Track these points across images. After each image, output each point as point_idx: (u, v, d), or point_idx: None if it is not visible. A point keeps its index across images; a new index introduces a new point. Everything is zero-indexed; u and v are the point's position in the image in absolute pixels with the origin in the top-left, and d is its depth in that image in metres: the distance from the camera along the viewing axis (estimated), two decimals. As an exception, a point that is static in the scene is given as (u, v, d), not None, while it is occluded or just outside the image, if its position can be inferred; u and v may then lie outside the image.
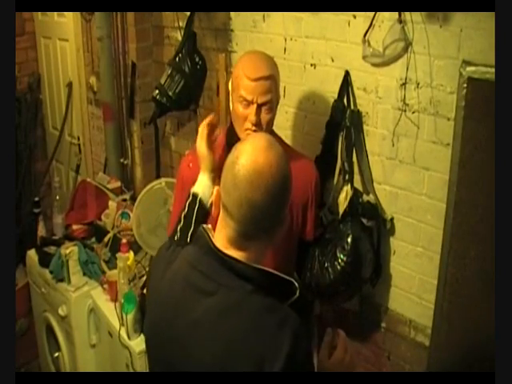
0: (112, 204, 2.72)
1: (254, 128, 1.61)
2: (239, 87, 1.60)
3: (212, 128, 1.66)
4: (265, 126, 1.62)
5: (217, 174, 1.58)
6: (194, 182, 1.75)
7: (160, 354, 1.18)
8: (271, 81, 1.60)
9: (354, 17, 1.81)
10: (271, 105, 1.61)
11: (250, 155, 1.07)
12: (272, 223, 1.11)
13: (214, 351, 1.06)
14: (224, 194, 1.10)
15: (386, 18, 1.71)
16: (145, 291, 2.18)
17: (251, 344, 1.04)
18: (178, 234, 1.49)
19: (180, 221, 1.53)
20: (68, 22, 3.39)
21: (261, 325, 1.05)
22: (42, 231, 2.83)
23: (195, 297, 1.10)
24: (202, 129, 1.64)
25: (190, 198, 1.57)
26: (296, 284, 1.11)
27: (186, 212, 1.54)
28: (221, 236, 1.12)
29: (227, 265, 1.09)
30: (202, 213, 1.54)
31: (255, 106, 1.59)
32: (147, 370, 2.09)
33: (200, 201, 1.55)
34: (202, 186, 1.58)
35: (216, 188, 1.15)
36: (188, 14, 2.33)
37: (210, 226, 1.19)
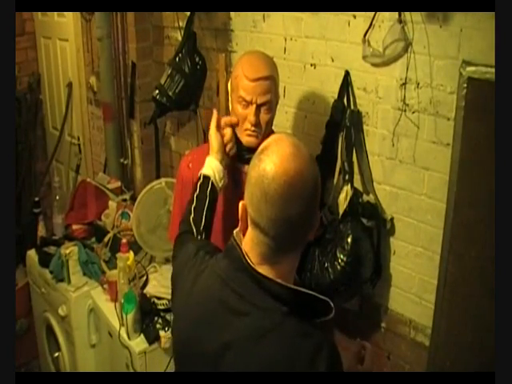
0: (112, 204, 2.72)
1: (253, 128, 1.61)
2: (238, 87, 1.60)
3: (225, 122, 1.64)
4: (264, 127, 1.62)
5: (224, 156, 1.58)
6: (193, 182, 1.75)
7: (191, 370, 1.15)
8: (270, 81, 1.60)
9: (354, 17, 1.81)
10: (270, 105, 1.61)
11: (279, 167, 0.98)
12: (307, 231, 1.06)
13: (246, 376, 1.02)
14: (254, 210, 1.02)
15: (386, 18, 1.71)
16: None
17: (286, 370, 0.99)
18: (193, 214, 1.45)
19: (193, 201, 1.49)
20: (68, 21, 3.39)
21: (297, 350, 1.00)
22: (42, 231, 2.83)
23: (227, 316, 1.06)
24: (215, 114, 1.62)
25: (201, 179, 1.53)
26: (331, 304, 1.05)
27: (198, 193, 1.50)
28: (254, 253, 1.05)
29: (262, 284, 1.03)
30: (214, 196, 1.51)
31: (254, 106, 1.59)
32: (147, 370, 2.11)
33: (212, 183, 1.52)
34: (212, 167, 1.55)
35: (241, 203, 1.07)
36: (188, 14, 2.33)
37: (237, 230, 1.12)
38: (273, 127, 1.70)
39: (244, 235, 1.09)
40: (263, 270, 1.04)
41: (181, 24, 2.46)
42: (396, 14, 1.66)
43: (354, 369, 1.21)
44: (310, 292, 1.04)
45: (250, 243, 1.06)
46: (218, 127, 1.61)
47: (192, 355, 1.13)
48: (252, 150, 1.63)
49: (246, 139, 1.64)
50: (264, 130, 1.62)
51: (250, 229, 1.06)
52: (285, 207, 0.98)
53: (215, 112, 1.64)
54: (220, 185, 1.56)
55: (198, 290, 1.14)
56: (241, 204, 1.08)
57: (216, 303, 1.08)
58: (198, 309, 1.12)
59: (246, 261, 1.05)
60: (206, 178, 1.53)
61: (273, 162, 0.99)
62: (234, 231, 1.12)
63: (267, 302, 1.03)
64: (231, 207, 1.67)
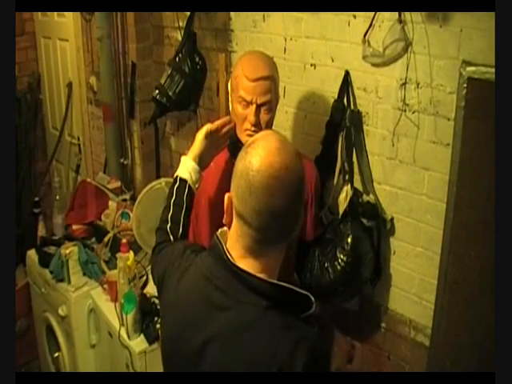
0: (112, 204, 2.72)
1: (253, 128, 1.61)
2: (238, 87, 1.60)
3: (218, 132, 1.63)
4: (264, 127, 1.62)
5: (202, 161, 1.58)
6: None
7: (176, 368, 1.15)
8: (270, 81, 1.60)
9: (354, 17, 1.81)
10: (270, 105, 1.61)
11: (264, 159, 1.00)
12: (292, 225, 1.06)
13: (228, 369, 1.03)
14: (239, 202, 1.04)
15: (386, 18, 1.71)
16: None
17: (267, 363, 1.00)
18: (170, 223, 1.44)
19: (169, 208, 1.48)
20: (68, 22, 3.39)
21: (277, 342, 1.01)
22: (42, 231, 2.83)
23: (211, 313, 1.07)
24: (208, 124, 1.61)
25: (177, 183, 1.51)
26: (312, 299, 1.07)
27: (174, 199, 1.49)
28: (238, 246, 1.07)
29: (243, 280, 1.04)
30: (191, 201, 1.50)
31: (254, 106, 1.58)
32: (147, 370, 2.11)
33: (189, 186, 1.50)
34: (189, 169, 1.53)
35: (227, 195, 1.09)
36: (188, 14, 2.33)
37: (225, 229, 1.13)
38: (273, 127, 1.70)
39: (229, 228, 1.11)
40: (246, 263, 1.06)
41: (181, 24, 2.46)
42: (396, 14, 1.66)
43: (343, 368, 1.21)
44: (291, 286, 1.06)
45: (234, 235, 1.08)
46: (207, 135, 1.59)
47: (177, 353, 1.14)
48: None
49: (246, 139, 1.64)
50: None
51: (234, 221, 1.08)
52: (268, 199, 1.00)
53: (209, 124, 1.61)
54: (196, 186, 1.55)
55: (183, 288, 1.16)
56: (226, 196, 1.09)
57: (200, 301, 1.10)
58: (183, 307, 1.14)
59: (227, 257, 1.06)
60: (183, 181, 1.51)
61: (259, 155, 1.02)
62: (219, 230, 1.14)
63: (249, 297, 1.04)
64: None
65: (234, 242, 1.08)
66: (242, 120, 1.62)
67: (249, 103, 1.59)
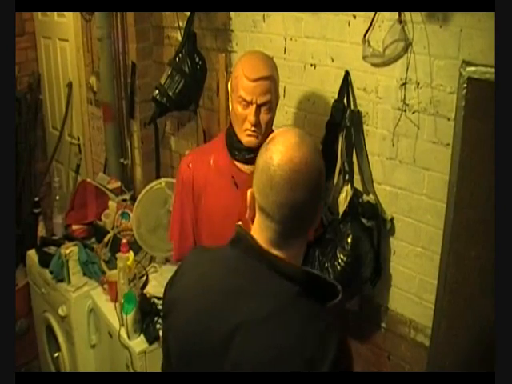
0: (112, 204, 2.72)
1: (253, 128, 1.61)
2: (238, 88, 1.60)
3: None
4: (264, 127, 1.62)
5: None
6: (193, 183, 1.75)
7: (198, 365, 1.13)
8: (270, 81, 1.60)
9: (354, 17, 1.81)
10: (270, 105, 1.61)
11: (284, 154, 1.04)
12: (313, 218, 1.10)
13: (259, 357, 1.02)
14: (261, 196, 1.07)
15: (386, 18, 1.71)
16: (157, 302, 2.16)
17: (299, 347, 1.01)
18: None
19: None
20: (68, 22, 3.39)
21: (310, 329, 1.02)
22: (42, 231, 2.83)
23: (237, 301, 1.07)
24: None
25: None
26: (339, 287, 1.08)
27: None
28: (261, 239, 1.09)
29: (274, 266, 1.06)
30: None
31: (254, 106, 1.58)
32: (147, 370, 2.11)
33: None
34: None
35: (250, 190, 1.11)
36: (188, 14, 2.33)
37: (240, 223, 1.16)
38: (273, 127, 1.70)
39: (252, 222, 1.13)
40: (274, 253, 1.08)
41: (181, 24, 2.46)
42: (396, 14, 1.66)
43: None
44: (320, 274, 1.10)
45: (258, 229, 1.10)
46: None
47: (197, 349, 1.11)
48: (252, 150, 1.63)
49: (246, 139, 1.64)
50: (264, 130, 1.62)
51: (257, 215, 1.11)
52: (289, 193, 1.03)
53: None
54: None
55: (196, 287, 1.15)
56: (249, 191, 1.12)
57: (223, 292, 1.10)
58: (200, 305, 1.12)
59: (259, 246, 1.08)
60: None
61: (279, 150, 1.05)
62: (238, 223, 1.15)
63: (280, 284, 1.06)
64: (232, 208, 1.66)
65: (258, 235, 1.10)
66: (242, 120, 1.62)
67: (249, 103, 1.59)
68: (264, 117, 1.61)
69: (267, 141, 1.10)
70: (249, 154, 1.66)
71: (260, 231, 1.10)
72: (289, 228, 1.07)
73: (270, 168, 1.04)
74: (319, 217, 1.12)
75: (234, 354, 1.04)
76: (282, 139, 1.08)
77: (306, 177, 1.04)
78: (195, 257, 1.23)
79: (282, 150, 1.05)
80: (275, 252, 1.08)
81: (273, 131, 1.69)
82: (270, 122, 1.64)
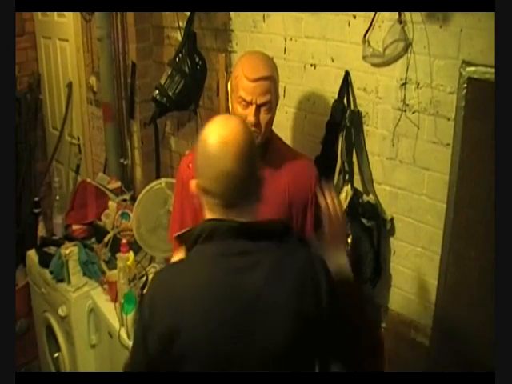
0: (112, 204, 2.72)
1: (253, 129, 1.61)
2: (238, 88, 1.60)
3: None
4: (264, 127, 1.62)
5: None
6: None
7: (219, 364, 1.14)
8: (270, 81, 1.60)
9: (354, 17, 1.81)
10: (270, 105, 1.61)
11: (213, 132, 1.14)
12: (253, 185, 1.17)
13: (286, 309, 1.12)
14: (200, 178, 1.16)
15: (386, 18, 1.71)
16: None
17: (308, 277, 1.16)
18: None
19: None
20: (68, 22, 3.39)
21: (308, 258, 1.19)
22: (42, 231, 2.83)
23: (244, 278, 1.12)
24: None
25: None
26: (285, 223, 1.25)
27: None
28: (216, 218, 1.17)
29: (252, 231, 1.15)
30: None
31: (254, 106, 1.58)
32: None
33: None
34: None
35: (192, 181, 1.19)
36: (188, 14, 2.33)
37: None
38: (273, 127, 1.70)
39: (203, 212, 1.20)
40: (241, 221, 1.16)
41: (181, 24, 2.46)
42: (396, 14, 1.66)
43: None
44: (277, 219, 1.24)
45: (209, 213, 1.18)
46: None
47: (221, 344, 1.12)
48: None
49: None
50: (264, 130, 1.62)
51: (204, 201, 1.18)
52: (223, 163, 1.11)
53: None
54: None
55: (196, 292, 1.14)
56: (192, 182, 1.19)
57: (225, 279, 1.13)
58: (208, 302, 1.12)
59: (234, 222, 1.14)
60: None
61: (208, 132, 1.16)
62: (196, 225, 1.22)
63: (262, 245, 1.15)
64: None
65: (209, 217, 1.18)
66: None
67: (248, 103, 1.59)
68: (264, 117, 1.61)
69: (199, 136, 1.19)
70: None
71: (211, 214, 1.17)
72: (232, 198, 1.14)
73: (204, 149, 1.14)
74: (260, 186, 1.19)
75: (266, 316, 1.12)
76: (211, 124, 1.18)
77: (236, 147, 1.12)
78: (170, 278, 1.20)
79: (210, 130, 1.16)
80: (241, 220, 1.15)
81: (272, 131, 1.70)
82: (269, 122, 1.64)
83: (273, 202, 1.58)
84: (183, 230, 1.23)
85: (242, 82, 1.59)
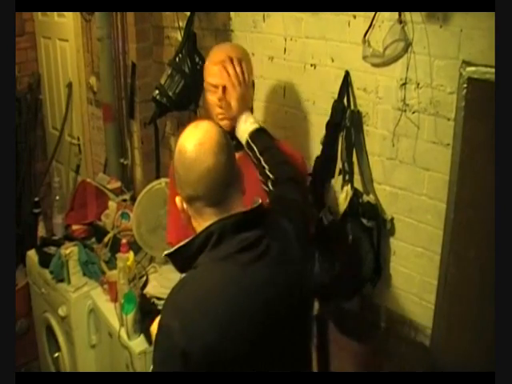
0: (112, 204, 2.72)
1: (222, 111, 1.61)
2: (206, 76, 1.64)
3: None
4: (235, 106, 1.60)
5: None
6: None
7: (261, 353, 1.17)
8: (235, 62, 1.61)
9: (354, 17, 1.81)
10: None
11: (186, 140, 1.17)
12: (234, 177, 1.20)
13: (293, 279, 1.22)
14: (184, 189, 1.18)
15: (386, 18, 1.71)
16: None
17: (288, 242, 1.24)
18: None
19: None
20: (68, 22, 3.39)
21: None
22: (42, 231, 2.83)
23: (258, 268, 1.15)
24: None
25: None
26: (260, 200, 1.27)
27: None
28: (207, 223, 1.17)
29: (247, 221, 1.17)
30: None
31: (220, 88, 1.60)
32: (147, 370, 2.10)
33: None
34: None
35: (177, 198, 1.21)
36: (188, 14, 2.33)
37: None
38: (273, 127, 1.69)
39: (193, 227, 1.22)
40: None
41: (181, 24, 2.46)
42: (396, 14, 1.66)
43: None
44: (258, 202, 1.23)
45: (199, 221, 1.19)
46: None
47: (260, 332, 1.15)
48: (232, 136, 1.58)
49: (221, 123, 1.60)
50: (236, 110, 1.60)
51: (191, 211, 1.20)
52: (200, 164, 1.14)
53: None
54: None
55: (214, 299, 1.14)
56: (177, 199, 1.21)
57: (243, 279, 1.14)
58: (231, 306, 1.13)
59: (229, 219, 1.16)
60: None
61: (181, 141, 1.19)
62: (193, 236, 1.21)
63: (263, 229, 1.19)
64: None
65: (200, 225, 1.19)
66: (214, 107, 1.63)
67: (215, 87, 1.61)
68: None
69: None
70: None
71: (202, 222, 1.18)
72: (217, 194, 1.16)
73: (181, 158, 1.17)
74: (242, 176, 1.23)
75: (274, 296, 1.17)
76: (181, 137, 1.21)
77: (209, 144, 1.15)
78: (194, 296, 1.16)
79: (183, 142, 1.18)
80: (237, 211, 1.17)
81: (251, 110, 1.68)
82: (240, 101, 1.60)
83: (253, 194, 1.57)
84: (176, 246, 1.19)
85: (208, 69, 1.63)
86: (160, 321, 1.18)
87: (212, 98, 1.63)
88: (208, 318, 1.10)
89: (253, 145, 1.54)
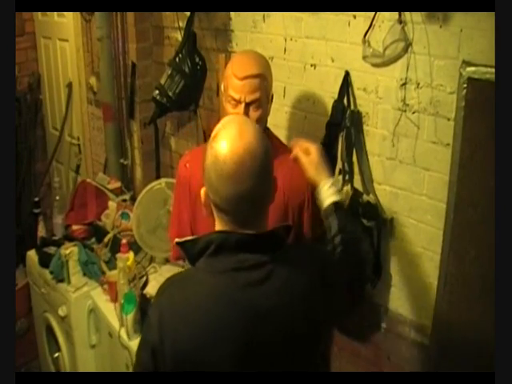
0: (112, 204, 2.72)
1: None
2: (228, 87, 1.61)
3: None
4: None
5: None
6: (190, 182, 1.75)
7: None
8: (260, 79, 1.59)
9: (354, 17, 1.81)
10: (260, 103, 1.60)
11: (228, 150, 1.07)
12: (266, 199, 1.15)
13: (298, 313, 1.15)
14: (213, 193, 1.11)
15: (386, 18, 1.71)
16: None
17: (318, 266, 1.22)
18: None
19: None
20: (68, 22, 3.39)
21: (308, 258, 1.23)
22: (42, 231, 2.83)
23: (254, 291, 1.11)
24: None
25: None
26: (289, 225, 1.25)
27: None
28: (217, 228, 1.16)
29: (258, 242, 1.13)
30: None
31: (243, 104, 1.58)
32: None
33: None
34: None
35: (202, 189, 1.16)
36: (188, 14, 2.33)
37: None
38: (272, 127, 1.69)
39: (210, 219, 1.18)
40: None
41: (181, 24, 2.46)
42: (396, 14, 1.66)
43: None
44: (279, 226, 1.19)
45: (218, 224, 1.16)
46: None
47: (254, 351, 1.12)
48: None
49: None
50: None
51: (215, 212, 1.16)
52: (238, 185, 1.07)
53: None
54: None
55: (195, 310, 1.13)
56: (202, 191, 1.16)
57: (234, 298, 1.11)
58: (221, 320, 1.11)
59: (244, 234, 1.12)
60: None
61: (222, 146, 1.09)
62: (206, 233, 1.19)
63: (271, 254, 1.13)
64: None
65: (217, 226, 1.16)
66: None
67: (238, 102, 1.59)
68: (253, 115, 1.60)
69: (211, 138, 1.13)
70: None
71: (222, 228, 1.14)
72: (242, 218, 1.12)
73: (217, 164, 1.08)
74: (272, 195, 1.17)
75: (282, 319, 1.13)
76: (223, 133, 1.11)
77: (252, 167, 1.07)
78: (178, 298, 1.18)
79: (224, 146, 1.08)
80: (250, 232, 1.12)
81: (268, 129, 1.69)
82: (260, 120, 1.61)
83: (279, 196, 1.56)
84: (185, 238, 1.18)
85: (231, 81, 1.60)
86: (150, 308, 1.23)
87: (233, 110, 1.60)
88: (185, 323, 1.12)
89: (335, 217, 1.46)
